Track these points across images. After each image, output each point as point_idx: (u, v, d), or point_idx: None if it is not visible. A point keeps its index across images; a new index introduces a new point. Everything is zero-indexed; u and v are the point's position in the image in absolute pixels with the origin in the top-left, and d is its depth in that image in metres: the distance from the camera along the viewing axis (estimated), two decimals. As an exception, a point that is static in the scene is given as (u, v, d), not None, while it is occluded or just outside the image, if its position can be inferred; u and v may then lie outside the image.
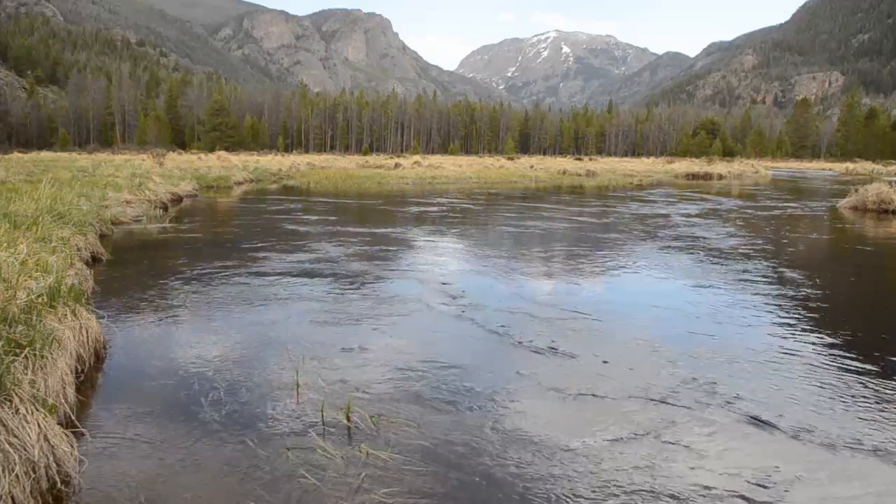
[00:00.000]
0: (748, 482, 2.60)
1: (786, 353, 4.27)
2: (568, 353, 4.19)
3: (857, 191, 16.30)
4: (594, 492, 2.52)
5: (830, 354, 4.25)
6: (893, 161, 69.65)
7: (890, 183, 15.99)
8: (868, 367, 3.99)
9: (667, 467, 2.71)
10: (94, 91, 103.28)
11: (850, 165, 65.90)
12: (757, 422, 3.16)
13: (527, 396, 3.47)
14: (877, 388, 3.63)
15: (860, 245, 10.43)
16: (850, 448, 2.90)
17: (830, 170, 63.07)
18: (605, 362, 4.02)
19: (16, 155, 44.43)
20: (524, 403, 3.37)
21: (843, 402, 3.44)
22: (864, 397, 3.50)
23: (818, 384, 3.69)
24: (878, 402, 3.43)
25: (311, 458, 2.73)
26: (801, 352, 4.31)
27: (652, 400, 3.42)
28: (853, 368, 3.97)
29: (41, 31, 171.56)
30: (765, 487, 2.56)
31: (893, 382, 3.71)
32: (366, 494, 2.46)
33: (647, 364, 4.01)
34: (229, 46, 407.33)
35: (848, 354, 4.26)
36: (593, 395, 3.49)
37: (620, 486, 2.56)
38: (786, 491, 2.54)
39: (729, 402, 3.39)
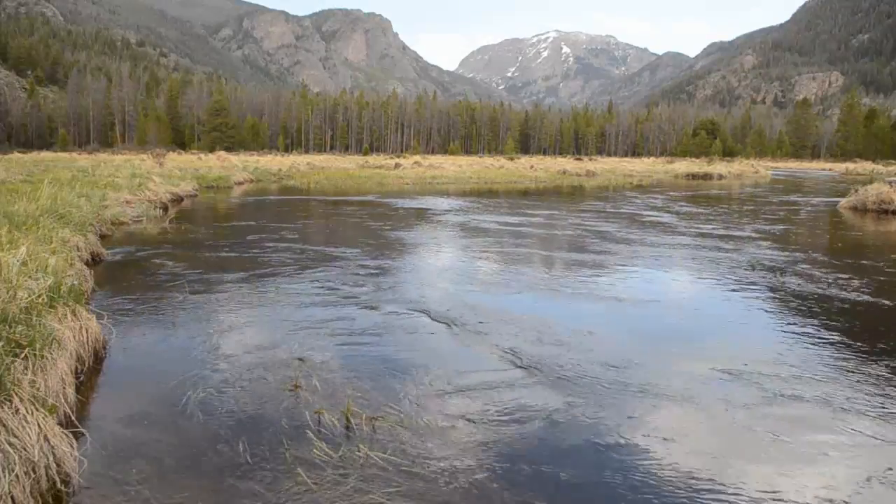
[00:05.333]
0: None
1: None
2: (556, 363, 4.19)
3: (856, 191, 16.32)
4: None
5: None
6: (893, 161, 69.56)
7: (890, 183, 16.00)
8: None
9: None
10: (94, 91, 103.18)
11: (850, 165, 65.85)
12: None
13: (520, 396, 3.48)
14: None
15: (861, 245, 10.43)
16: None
17: (830, 170, 63.08)
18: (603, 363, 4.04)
19: (16, 155, 44.40)
20: (517, 403, 3.38)
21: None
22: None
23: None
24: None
25: (310, 458, 2.74)
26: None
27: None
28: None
29: (41, 31, 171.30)
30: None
31: None
32: (364, 495, 2.47)
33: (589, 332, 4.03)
34: (229, 46, 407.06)
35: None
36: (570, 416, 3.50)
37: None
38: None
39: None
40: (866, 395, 3.55)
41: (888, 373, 3.89)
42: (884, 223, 13.33)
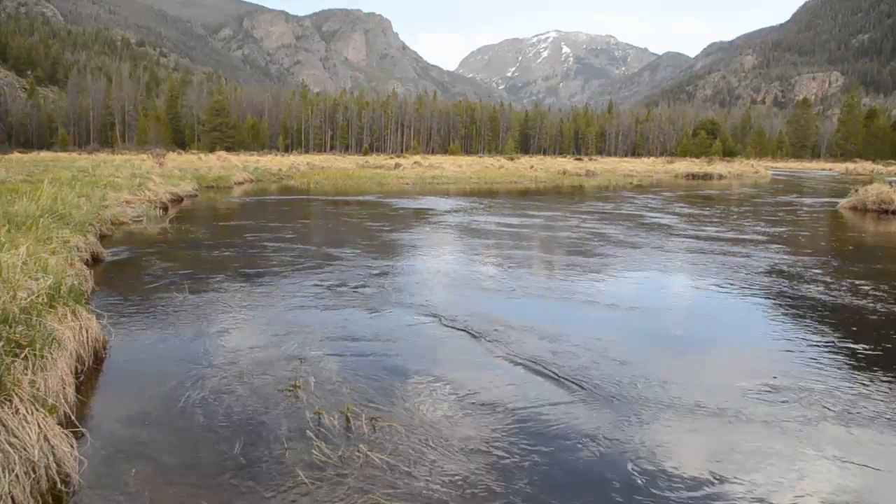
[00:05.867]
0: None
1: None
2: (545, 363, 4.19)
3: (857, 191, 16.32)
4: None
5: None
6: (893, 161, 69.62)
7: (890, 183, 15.99)
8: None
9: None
10: (94, 91, 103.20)
11: (850, 165, 65.89)
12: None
13: (511, 392, 3.48)
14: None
15: (870, 247, 10.43)
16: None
17: (830, 170, 63.08)
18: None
19: (16, 155, 44.44)
20: (513, 402, 3.38)
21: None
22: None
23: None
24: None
25: (309, 458, 2.74)
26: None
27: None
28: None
29: (41, 31, 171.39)
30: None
31: None
32: (364, 495, 2.47)
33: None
34: (229, 46, 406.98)
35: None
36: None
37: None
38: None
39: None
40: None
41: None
42: (884, 223, 13.33)
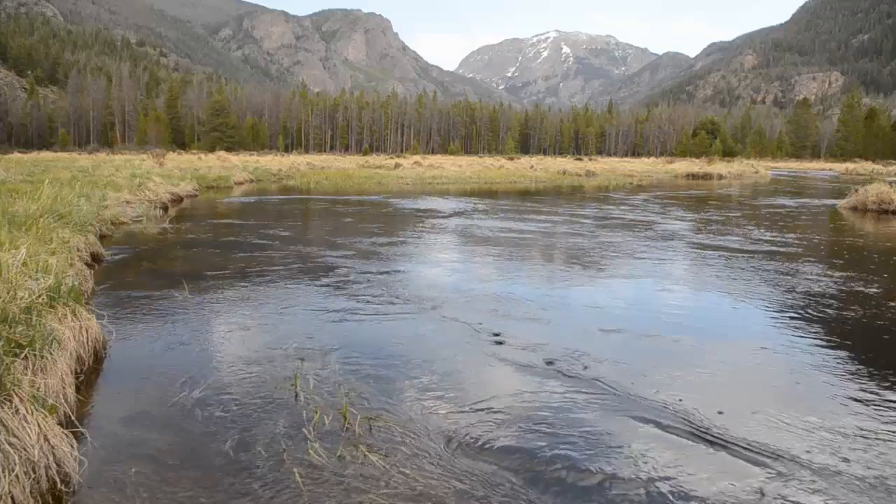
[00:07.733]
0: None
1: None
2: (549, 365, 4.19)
3: (856, 191, 16.31)
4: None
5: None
6: (893, 161, 69.59)
7: (890, 183, 15.99)
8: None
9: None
10: (94, 91, 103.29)
11: (850, 165, 65.87)
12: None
13: (511, 393, 3.49)
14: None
15: (862, 245, 10.42)
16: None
17: (830, 170, 63.06)
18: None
19: (16, 155, 44.49)
20: (512, 403, 3.39)
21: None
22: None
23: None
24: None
25: (308, 458, 2.74)
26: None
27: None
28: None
29: (41, 31, 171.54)
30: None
31: None
32: (362, 494, 2.47)
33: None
34: (229, 46, 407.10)
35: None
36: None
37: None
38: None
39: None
40: None
41: None
42: (884, 223, 13.33)
